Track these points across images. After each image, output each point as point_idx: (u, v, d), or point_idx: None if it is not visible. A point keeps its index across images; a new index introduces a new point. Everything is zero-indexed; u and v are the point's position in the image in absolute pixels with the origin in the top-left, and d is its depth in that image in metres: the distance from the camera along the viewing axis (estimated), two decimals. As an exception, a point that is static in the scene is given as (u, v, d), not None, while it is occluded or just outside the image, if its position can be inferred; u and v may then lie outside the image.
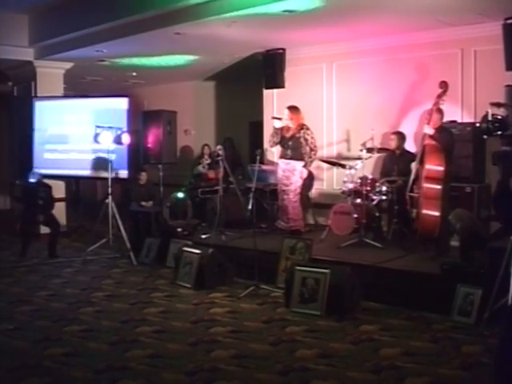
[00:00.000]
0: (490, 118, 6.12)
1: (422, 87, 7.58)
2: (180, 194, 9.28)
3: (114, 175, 8.49)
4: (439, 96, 6.26)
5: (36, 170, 8.83)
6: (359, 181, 7.13)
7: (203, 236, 7.80)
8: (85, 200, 11.43)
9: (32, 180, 8.37)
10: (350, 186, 7.20)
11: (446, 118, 6.60)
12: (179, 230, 8.24)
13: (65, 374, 4.13)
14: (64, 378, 4.09)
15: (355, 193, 7.13)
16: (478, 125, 6.58)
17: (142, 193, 8.91)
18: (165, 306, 5.84)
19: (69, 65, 10.02)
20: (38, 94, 10.06)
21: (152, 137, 9.91)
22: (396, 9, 6.52)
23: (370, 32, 7.70)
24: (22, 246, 8.19)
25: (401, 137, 7.46)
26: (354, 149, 8.14)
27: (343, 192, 7.35)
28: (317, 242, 6.79)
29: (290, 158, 7.54)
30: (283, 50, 8.89)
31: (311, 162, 7.64)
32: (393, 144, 7.43)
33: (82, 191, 12.17)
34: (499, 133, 5.53)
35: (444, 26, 7.16)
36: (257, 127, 10.36)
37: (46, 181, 8.69)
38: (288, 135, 7.59)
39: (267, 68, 9.04)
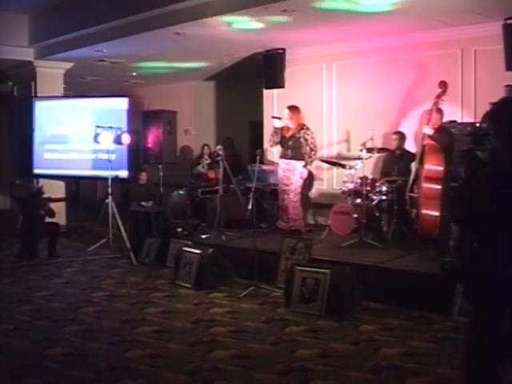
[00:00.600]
0: (490, 118, 6.11)
1: (421, 87, 7.58)
2: (181, 191, 9.31)
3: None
4: (438, 96, 6.27)
5: (35, 184, 8.81)
6: (359, 181, 7.13)
7: (203, 236, 7.79)
8: (85, 200, 11.42)
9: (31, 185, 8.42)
10: (350, 186, 7.20)
11: (446, 118, 6.60)
12: (179, 229, 8.24)
13: (65, 374, 4.13)
14: (64, 378, 4.10)
15: (355, 193, 7.13)
16: (478, 125, 6.60)
17: (141, 193, 8.91)
18: (165, 305, 5.84)
19: (69, 65, 10.02)
20: (38, 94, 10.06)
21: (152, 137, 9.92)
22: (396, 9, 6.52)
23: (370, 32, 7.70)
24: (20, 246, 8.18)
25: (401, 137, 7.47)
26: (354, 149, 8.14)
27: (343, 192, 7.35)
28: (317, 242, 6.79)
29: (291, 158, 7.54)
30: (283, 49, 8.89)
31: (311, 162, 7.63)
32: (394, 144, 7.43)
33: (82, 191, 12.15)
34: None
35: (444, 25, 7.16)
36: (257, 127, 10.35)
37: (46, 181, 8.69)
38: (288, 135, 7.59)
39: (267, 68, 9.04)
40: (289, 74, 9.01)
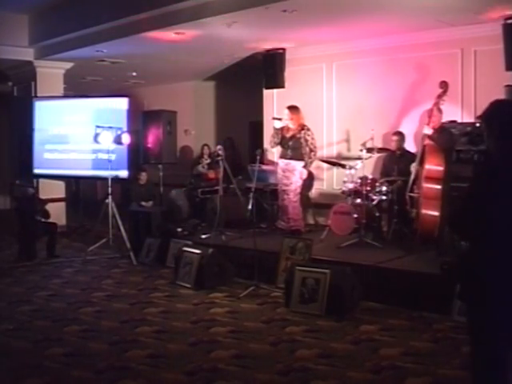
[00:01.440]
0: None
1: (422, 87, 7.58)
2: (179, 190, 9.34)
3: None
4: (439, 96, 6.27)
5: (30, 189, 8.80)
6: (359, 181, 7.12)
7: (203, 236, 7.79)
8: (85, 200, 11.42)
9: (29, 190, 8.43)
10: (350, 186, 7.20)
11: (446, 118, 6.59)
12: (179, 229, 8.24)
13: (65, 374, 4.13)
14: (64, 377, 4.10)
15: (355, 193, 7.12)
16: (477, 125, 6.60)
17: (141, 193, 8.91)
18: (165, 305, 5.84)
19: (69, 65, 10.02)
20: (38, 94, 10.06)
21: (152, 137, 9.91)
22: (396, 9, 6.51)
23: (370, 32, 7.70)
24: (19, 248, 8.16)
25: (401, 138, 7.47)
26: (354, 149, 8.14)
27: (343, 192, 7.35)
28: (317, 242, 6.79)
29: (290, 158, 7.54)
30: (283, 49, 8.88)
31: (311, 162, 7.64)
32: (394, 144, 7.42)
33: (82, 191, 12.16)
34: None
35: (444, 25, 7.16)
36: (257, 127, 10.35)
37: (46, 181, 8.68)
38: (288, 135, 7.59)
39: (267, 68, 9.03)
40: (289, 74, 9.00)
